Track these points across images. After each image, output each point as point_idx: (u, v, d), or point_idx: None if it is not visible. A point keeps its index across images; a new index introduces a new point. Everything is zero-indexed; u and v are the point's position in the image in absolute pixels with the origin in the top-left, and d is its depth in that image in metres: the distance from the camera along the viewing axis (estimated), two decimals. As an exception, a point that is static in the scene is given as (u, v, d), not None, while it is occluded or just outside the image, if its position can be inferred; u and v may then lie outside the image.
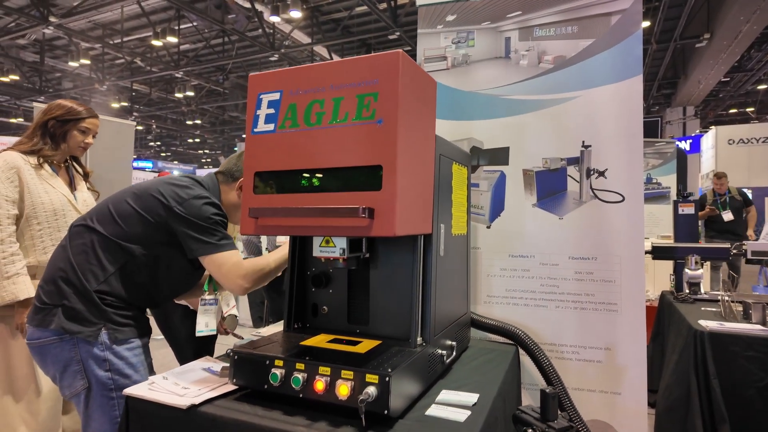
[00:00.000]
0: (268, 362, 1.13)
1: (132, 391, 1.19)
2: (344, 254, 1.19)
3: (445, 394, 1.20)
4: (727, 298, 2.28)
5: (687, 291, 2.57)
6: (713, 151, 10.39)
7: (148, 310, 1.59)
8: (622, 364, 1.68)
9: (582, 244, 1.74)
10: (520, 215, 1.83)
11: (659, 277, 3.88)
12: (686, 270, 2.59)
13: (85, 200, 1.99)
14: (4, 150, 1.85)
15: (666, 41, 11.33)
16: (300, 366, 1.10)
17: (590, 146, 1.74)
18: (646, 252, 2.47)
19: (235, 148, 23.63)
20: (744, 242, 2.60)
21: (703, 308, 2.35)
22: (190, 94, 17.15)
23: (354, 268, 1.28)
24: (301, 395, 1.09)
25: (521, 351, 1.69)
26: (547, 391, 1.08)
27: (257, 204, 1.20)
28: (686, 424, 1.97)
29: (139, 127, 21.36)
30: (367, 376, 1.03)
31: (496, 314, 1.82)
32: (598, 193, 1.73)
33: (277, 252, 1.53)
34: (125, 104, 17.90)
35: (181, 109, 18.84)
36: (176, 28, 12.69)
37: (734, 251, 2.58)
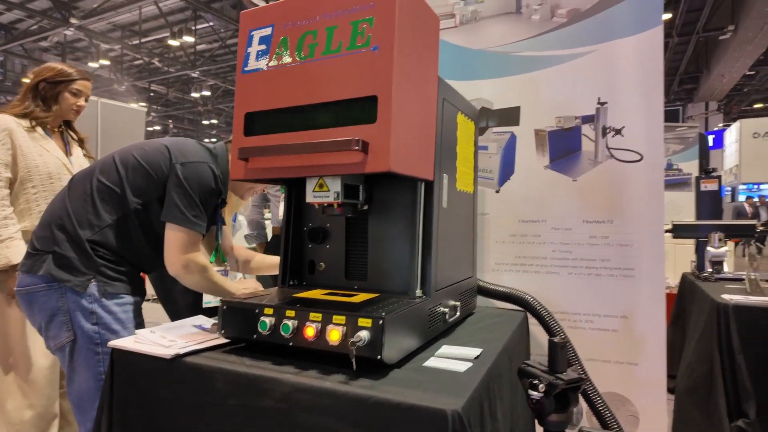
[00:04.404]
0: (257, 311, 1.07)
1: (117, 343, 1.14)
2: (338, 198, 1.12)
3: (446, 348, 1.12)
4: (753, 275, 2.15)
5: (710, 270, 2.44)
6: (737, 145, 10.07)
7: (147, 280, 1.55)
8: (640, 333, 1.57)
9: (597, 207, 1.64)
10: (532, 178, 1.73)
11: (680, 265, 3.71)
12: (709, 248, 2.45)
13: (81, 165, 1.95)
14: None
15: (688, 34, 11.04)
16: (290, 313, 1.04)
17: (606, 103, 1.64)
18: (666, 231, 2.35)
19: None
20: (773, 219, 2.44)
21: (727, 286, 2.21)
22: (207, 93, 17.37)
23: (350, 215, 1.21)
24: (290, 343, 1.02)
25: (532, 320, 1.60)
26: (555, 340, 0.99)
27: (247, 146, 1.14)
28: (709, 404, 1.85)
29: (157, 127, 21.71)
30: (360, 320, 0.96)
31: (505, 282, 1.72)
32: (615, 152, 1.63)
33: (232, 285, 1.45)
34: (143, 104, 18.19)
35: (197, 108, 19.09)
36: (193, 28, 12.85)
37: (761, 227, 2.43)
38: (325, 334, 0.98)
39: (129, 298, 1.38)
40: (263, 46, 1.15)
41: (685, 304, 2.51)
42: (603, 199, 1.64)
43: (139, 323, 1.41)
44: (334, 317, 0.99)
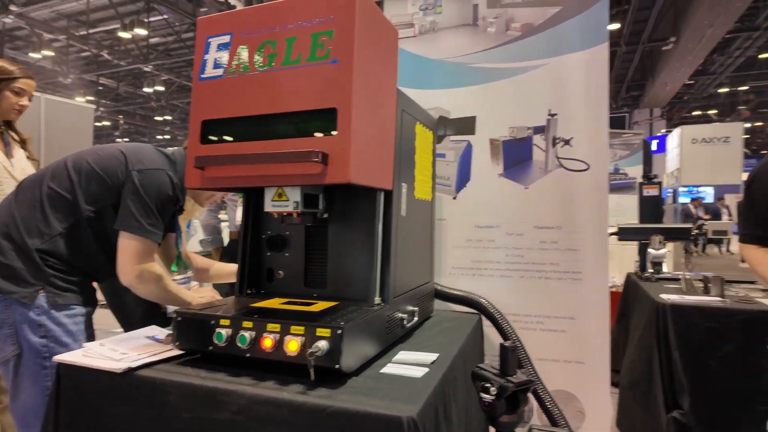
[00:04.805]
0: (213, 322, 1.06)
1: (64, 357, 1.10)
2: (298, 208, 1.12)
3: (402, 354, 1.15)
4: (688, 275, 2.31)
5: (651, 270, 2.60)
6: (678, 150, 10.75)
7: (98, 288, 1.49)
8: (586, 333, 1.67)
9: (547, 214, 1.72)
10: (487, 185, 1.80)
11: (624, 265, 3.92)
12: (650, 250, 2.62)
13: (23, 168, 1.85)
14: None
15: (635, 43, 11.65)
16: (247, 324, 1.03)
17: (556, 114, 1.72)
18: (611, 234, 2.48)
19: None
20: (705, 222, 2.64)
21: (665, 285, 2.37)
22: (160, 89, 16.68)
23: (310, 224, 1.22)
24: (248, 354, 1.02)
25: (486, 322, 1.66)
26: (506, 344, 1.04)
27: (204, 154, 1.13)
28: (648, 397, 1.98)
29: (106, 123, 20.67)
30: (318, 330, 0.97)
31: (461, 286, 1.77)
32: (564, 161, 1.71)
33: (188, 294, 1.41)
34: (91, 98, 17.26)
35: (150, 104, 18.32)
36: (145, 20, 12.31)
37: (696, 231, 2.62)
38: (283, 344, 0.98)
39: (80, 309, 1.33)
40: (221, 54, 1.14)
41: (629, 303, 2.67)
42: (552, 207, 1.72)
43: (90, 335, 1.35)
44: (293, 328, 0.99)
